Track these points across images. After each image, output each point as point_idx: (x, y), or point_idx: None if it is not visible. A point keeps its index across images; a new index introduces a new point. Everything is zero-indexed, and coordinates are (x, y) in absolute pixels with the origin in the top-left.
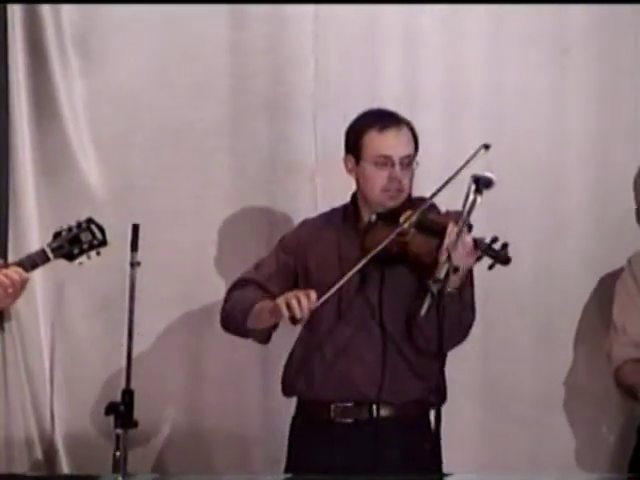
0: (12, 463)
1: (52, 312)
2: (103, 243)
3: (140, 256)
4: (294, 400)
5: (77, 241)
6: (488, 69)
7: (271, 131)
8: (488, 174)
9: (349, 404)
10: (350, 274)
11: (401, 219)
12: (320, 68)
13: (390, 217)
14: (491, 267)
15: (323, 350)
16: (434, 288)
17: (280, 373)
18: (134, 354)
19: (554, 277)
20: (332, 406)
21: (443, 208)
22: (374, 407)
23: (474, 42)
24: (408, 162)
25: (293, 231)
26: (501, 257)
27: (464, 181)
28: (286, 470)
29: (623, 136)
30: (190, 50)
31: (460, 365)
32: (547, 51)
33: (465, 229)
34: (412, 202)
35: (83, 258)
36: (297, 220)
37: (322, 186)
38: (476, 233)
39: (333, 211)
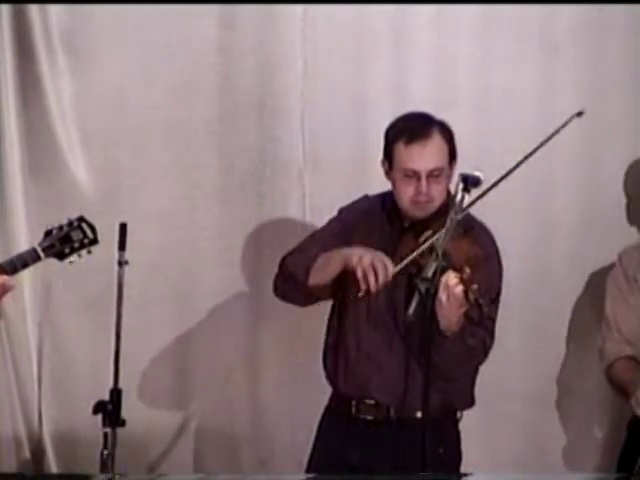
0: (0, 462)
1: (40, 311)
2: (94, 242)
3: (128, 255)
4: (282, 399)
5: (68, 240)
6: (477, 68)
7: (260, 130)
8: (476, 173)
9: (370, 401)
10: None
11: (422, 238)
12: (309, 67)
13: (417, 228)
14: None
15: (348, 351)
16: (422, 286)
17: (268, 373)
18: (122, 353)
19: (543, 276)
20: (353, 402)
21: None
22: (392, 409)
23: (463, 41)
24: (437, 174)
25: (351, 208)
26: (486, 316)
27: (453, 181)
28: (310, 459)
29: (612, 134)
30: (179, 49)
31: None
32: (536, 50)
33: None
34: (445, 212)
35: (74, 257)
36: (285, 220)
37: (310, 185)
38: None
39: (386, 196)
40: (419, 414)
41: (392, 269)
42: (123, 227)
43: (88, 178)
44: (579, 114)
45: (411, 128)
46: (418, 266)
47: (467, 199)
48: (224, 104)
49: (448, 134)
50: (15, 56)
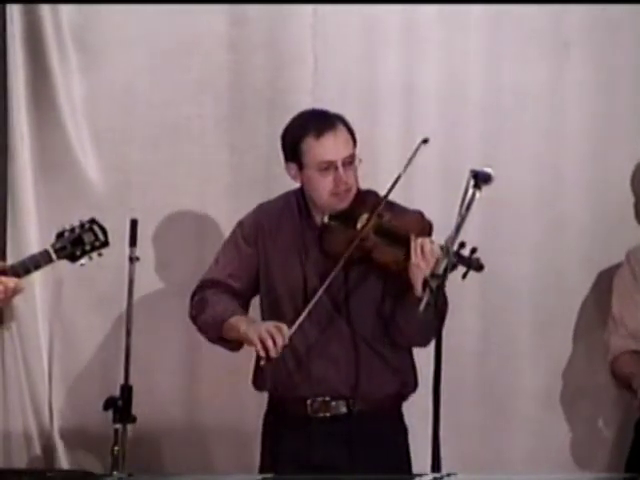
0: (11, 458)
1: (51, 308)
2: (105, 244)
3: (139, 252)
4: None
5: (80, 242)
6: (487, 66)
7: (270, 127)
8: (487, 169)
9: (326, 398)
10: (318, 295)
11: (358, 224)
12: (319, 64)
13: (344, 218)
14: (464, 276)
15: (294, 349)
16: (433, 283)
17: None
18: (132, 350)
19: (552, 274)
20: (308, 401)
21: (440, 205)
22: (350, 402)
23: (473, 38)
24: (350, 161)
25: (251, 217)
26: (473, 264)
27: (463, 176)
28: (261, 469)
29: (621, 133)
30: (189, 46)
31: (458, 362)
32: (546, 48)
33: (429, 241)
34: (363, 198)
35: (85, 259)
36: None
37: None
38: (474, 230)
39: (288, 197)
40: (375, 403)
41: (287, 330)
42: (134, 224)
43: (99, 175)
44: (425, 141)
45: (316, 122)
46: (364, 251)
47: (478, 196)
48: (234, 101)
49: (347, 122)
50: (26, 54)
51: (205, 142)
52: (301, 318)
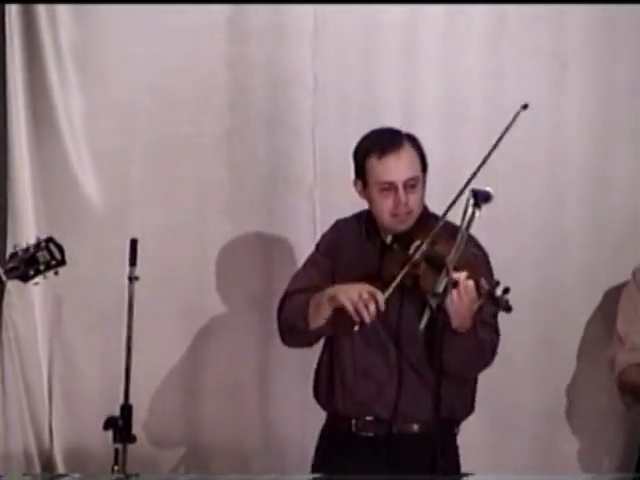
0: (11, 477)
1: (51, 327)
2: (61, 263)
3: (138, 271)
4: (292, 414)
5: (34, 262)
6: (487, 82)
7: (270, 146)
8: (487, 188)
9: (369, 418)
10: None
11: (411, 250)
12: (319, 83)
13: (403, 241)
14: (494, 316)
15: (344, 370)
16: (433, 302)
17: (278, 386)
18: (133, 369)
19: (555, 291)
20: (353, 420)
21: None
22: (392, 424)
23: (473, 55)
24: (413, 184)
25: (328, 233)
26: (503, 305)
27: (463, 195)
28: None
29: (622, 148)
30: (189, 65)
31: None
32: (546, 65)
33: (470, 283)
34: (424, 222)
35: (39, 278)
36: (295, 235)
37: (321, 201)
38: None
39: (361, 215)
40: (416, 427)
41: (381, 296)
42: (134, 243)
43: (98, 193)
44: (525, 107)
45: (382, 142)
46: (413, 277)
47: (477, 215)
48: (234, 119)
49: (417, 144)
50: (25, 72)
51: (205, 160)
52: (390, 289)
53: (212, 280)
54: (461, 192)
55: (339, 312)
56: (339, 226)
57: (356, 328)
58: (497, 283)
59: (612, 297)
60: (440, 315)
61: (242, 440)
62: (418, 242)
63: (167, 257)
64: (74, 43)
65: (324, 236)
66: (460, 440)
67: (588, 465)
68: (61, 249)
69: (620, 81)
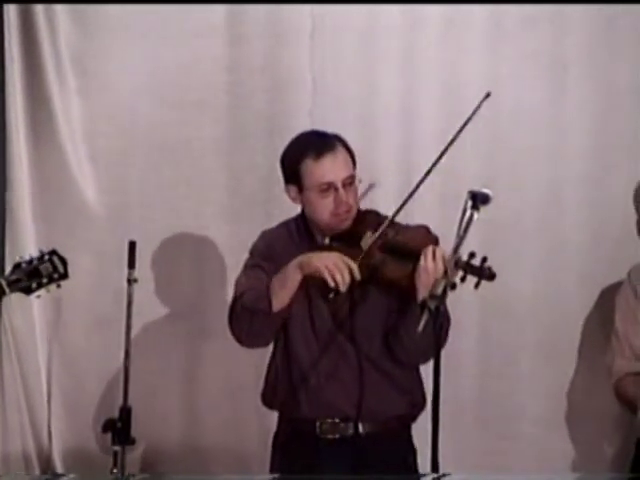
0: (9, 479)
1: (49, 329)
2: (64, 276)
3: (137, 273)
4: None
5: (36, 274)
6: (485, 85)
7: (269, 148)
8: (485, 190)
9: (335, 420)
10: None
11: (362, 243)
12: (317, 86)
13: (346, 239)
14: (477, 285)
15: (301, 369)
16: (432, 304)
17: None
18: (132, 371)
19: (553, 294)
20: (317, 423)
21: (438, 226)
22: (357, 423)
23: (471, 58)
24: (350, 182)
25: (261, 241)
26: (485, 273)
27: (462, 197)
28: None
29: (621, 152)
30: (188, 68)
31: (459, 382)
32: (545, 67)
33: (440, 249)
34: (364, 217)
35: (41, 291)
36: None
37: None
38: (473, 250)
39: (288, 224)
40: (382, 426)
41: (355, 266)
42: (132, 245)
43: (97, 197)
44: (487, 95)
45: (315, 144)
46: (370, 269)
47: (476, 217)
48: (233, 123)
49: (346, 143)
50: (24, 75)
51: (204, 164)
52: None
53: (211, 282)
54: (418, 185)
55: (309, 280)
56: (267, 235)
57: (331, 295)
58: (473, 254)
59: (611, 299)
60: (438, 317)
61: (241, 441)
62: (369, 234)
63: (166, 260)
64: (73, 47)
65: (255, 245)
66: (460, 443)
67: (586, 468)
68: (64, 262)
69: (620, 82)
